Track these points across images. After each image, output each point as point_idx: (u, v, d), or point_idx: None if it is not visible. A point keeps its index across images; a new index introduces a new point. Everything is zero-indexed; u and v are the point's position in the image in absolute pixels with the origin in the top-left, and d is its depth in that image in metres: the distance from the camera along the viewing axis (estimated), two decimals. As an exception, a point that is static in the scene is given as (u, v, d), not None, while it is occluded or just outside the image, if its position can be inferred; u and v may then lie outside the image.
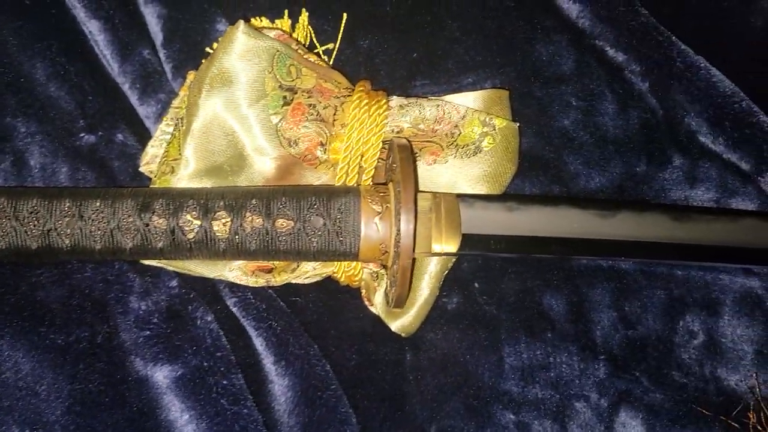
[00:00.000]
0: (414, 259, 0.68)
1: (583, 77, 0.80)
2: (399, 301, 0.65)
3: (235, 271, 0.69)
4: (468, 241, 0.65)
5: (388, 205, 0.64)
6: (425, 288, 0.71)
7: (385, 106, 0.69)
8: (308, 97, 0.68)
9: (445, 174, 0.72)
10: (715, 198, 0.78)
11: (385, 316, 0.72)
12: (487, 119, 0.71)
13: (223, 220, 0.62)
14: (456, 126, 0.71)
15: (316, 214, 0.62)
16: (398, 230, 0.61)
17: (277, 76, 0.67)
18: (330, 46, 0.78)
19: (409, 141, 0.68)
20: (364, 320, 0.73)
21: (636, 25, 0.79)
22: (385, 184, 0.67)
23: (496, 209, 0.67)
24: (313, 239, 0.63)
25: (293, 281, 0.71)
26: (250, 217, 0.62)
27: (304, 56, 0.70)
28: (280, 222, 0.62)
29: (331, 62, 0.78)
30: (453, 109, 0.70)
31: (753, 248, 0.70)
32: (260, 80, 0.67)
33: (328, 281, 0.72)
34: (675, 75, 0.78)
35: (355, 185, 0.68)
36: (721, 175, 0.79)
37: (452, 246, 0.65)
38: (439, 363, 0.71)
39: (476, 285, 0.75)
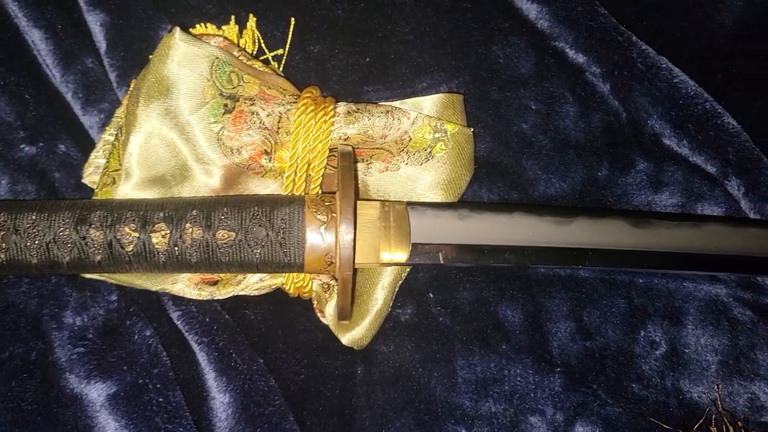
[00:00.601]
0: (356, 270, 0.66)
1: (543, 80, 0.78)
2: (342, 313, 0.63)
3: (179, 284, 0.68)
4: (418, 250, 0.63)
5: (333, 214, 0.62)
6: (378, 299, 0.70)
7: (331, 113, 0.67)
8: (251, 105, 0.66)
9: (398, 182, 0.70)
10: (681, 203, 0.76)
11: (336, 329, 0.70)
12: (438, 125, 0.69)
13: (163, 232, 0.60)
14: (406, 132, 0.69)
15: (259, 225, 0.61)
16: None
17: (217, 84, 0.65)
18: (279, 51, 0.76)
19: (353, 148, 0.66)
20: (315, 333, 0.71)
21: (595, 25, 0.77)
22: (334, 193, 0.65)
23: (448, 217, 0.66)
24: (255, 251, 0.61)
25: (240, 293, 0.69)
26: (190, 229, 0.60)
27: (248, 63, 0.69)
28: (221, 233, 0.61)
29: (280, 68, 0.76)
30: (403, 115, 0.68)
31: (717, 254, 0.68)
32: (199, 88, 0.65)
33: (280, 292, 0.70)
34: (636, 76, 0.76)
35: (301, 195, 0.66)
36: (687, 179, 0.76)
37: (402, 255, 0.64)
38: (391, 376, 0.69)
39: (431, 295, 0.72)
